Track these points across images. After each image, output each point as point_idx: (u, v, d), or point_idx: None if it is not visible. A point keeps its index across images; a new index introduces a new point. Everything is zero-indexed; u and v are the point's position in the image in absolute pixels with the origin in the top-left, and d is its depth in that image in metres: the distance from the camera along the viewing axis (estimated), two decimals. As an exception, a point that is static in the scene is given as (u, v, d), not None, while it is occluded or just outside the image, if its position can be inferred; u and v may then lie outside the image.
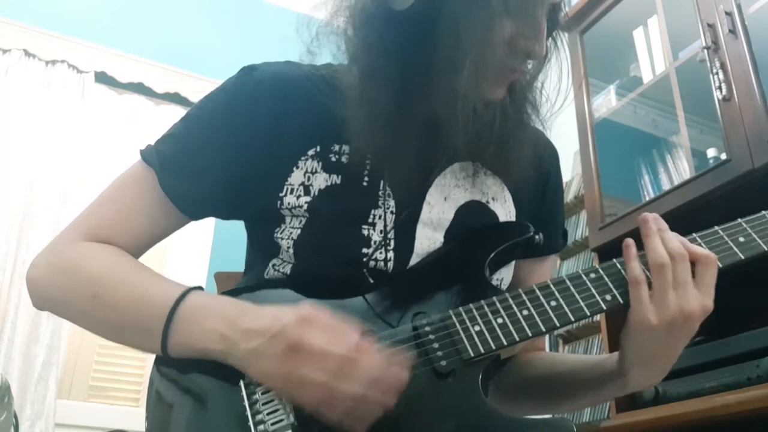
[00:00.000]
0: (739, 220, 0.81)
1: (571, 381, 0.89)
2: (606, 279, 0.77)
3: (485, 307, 0.75)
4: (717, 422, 1.48)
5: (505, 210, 0.90)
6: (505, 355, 0.78)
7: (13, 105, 2.81)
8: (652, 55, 2.13)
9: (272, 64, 0.88)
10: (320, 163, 0.83)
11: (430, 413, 0.71)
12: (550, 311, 0.75)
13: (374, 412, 0.67)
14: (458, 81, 0.74)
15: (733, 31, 1.68)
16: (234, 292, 0.80)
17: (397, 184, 0.82)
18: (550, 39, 0.85)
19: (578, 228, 2.38)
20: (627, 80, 2.25)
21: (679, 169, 2.05)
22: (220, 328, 0.71)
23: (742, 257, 0.78)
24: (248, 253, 0.93)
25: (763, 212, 0.82)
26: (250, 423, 0.69)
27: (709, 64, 1.71)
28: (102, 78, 3.05)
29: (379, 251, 0.80)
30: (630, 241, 0.77)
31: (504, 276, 0.89)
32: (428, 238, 0.83)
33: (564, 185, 1.10)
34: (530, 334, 0.73)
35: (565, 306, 0.75)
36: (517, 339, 0.73)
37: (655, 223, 0.77)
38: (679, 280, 0.72)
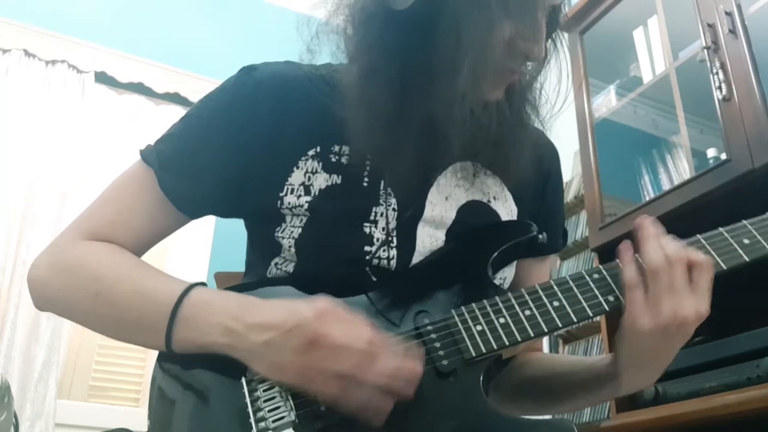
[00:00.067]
0: (744, 221, 0.80)
1: (566, 382, 0.89)
2: (609, 280, 0.76)
3: (487, 306, 0.75)
4: (717, 422, 1.48)
5: (506, 209, 0.90)
6: (506, 355, 0.78)
7: (13, 105, 2.81)
8: (652, 55, 2.13)
9: (272, 64, 0.88)
10: (320, 163, 0.83)
11: (431, 412, 0.71)
12: (552, 311, 0.74)
13: (391, 405, 0.68)
14: (457, 81, 0.74)
15: (733, 31, 1.68)
16: (235, 290, 0.80)
17: (397, 185, 0.82)
18: (549, 40, 0.85)
19: (578, 228, 2.38)
20: (627, 80, 2.25)
21: (679, 169, 2.05)
22: (226, 322, 0.71)
23: (747, 259, 0.77)
24: (248, 252, 0.93)
25: None
26: (252, 419, 0.69)
27: (709, 64, 1.71)
28: (102, 78, 3.05)
29: (382, 249, 0.80)
30: (625, 245, 0.77)
31: (506, 275, 0.89)
32: (430, 237, 0.83)
33: (564, 185, 1.10)
34: (532, 334, 0.73)
35: (567, 306, 0.75)
36: (519, 339, 0.73)
37: (651, 227, 0.76)
38: (675, 284, 0.72)
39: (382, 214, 0.82)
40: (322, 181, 0.82)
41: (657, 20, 2.12)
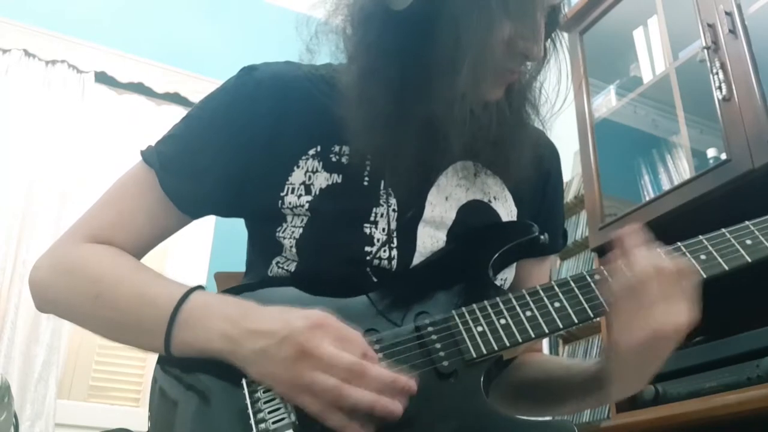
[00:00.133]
0: (747, 222, 0.80)
1: (564, 385, 0.88)
2: (610, 281, 0.76)
3: (488, 307, 0.75)
4: (717, 422, 1.48)
5: (506, 209, 0.90)
6: (507, 356, 0.78)
7: (13, 105, 2.81)
8: (652, 55, 2.13)
9: (272, 64, 0.88)
10: (321, 163, 0.83)
11: (432, 414, 0.70)
12: (553, 312, 0.74)
13: (381, 419, 0.66)
14: (457, 81, 0.74)
15: (733, 31, 1.68)
16: (236, 290, 0.80)
17: (397, 185, 0.82)
18: (549, 40, 0.85)
19: (578, 228, 2.38)
20: (627, 80, 2.25)
21: (679, 169, 2.05)
22: (224, 328, 0.71)
23: (750, 260, 0.77)
24: (249, 252, 0.93)
25: None
26: (252, 421, 0.69)
27: (709, 64, 1.71)
28: (102, 78, 3.05)
29: (382, 250, 0.80)
30: (612, 256, 0.75)
31: (507, 276, 0.89)
32: (431, 237, 0.83)
33: (564, 185, 1.10)
34: (533, 336, 0.73)
35: (568, 307, 0.75)
36: (520, 340, 0.73)
37: (637, 235, 0.75)
38: (665, 294, 0.71)
39: (382, 215, 0.82)
40: (322, 180, 0.82)
41: (657, 20, 2.12)
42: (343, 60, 0.85)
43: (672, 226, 1.72)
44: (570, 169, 2.54)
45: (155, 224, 0.85)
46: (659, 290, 0.71)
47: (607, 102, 2.25)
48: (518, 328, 0.74)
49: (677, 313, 0.70)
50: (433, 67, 0.77)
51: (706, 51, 1.72)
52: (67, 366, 2.78)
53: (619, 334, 0.72)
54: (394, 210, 0.82)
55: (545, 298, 0.75)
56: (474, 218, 0.86)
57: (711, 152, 1.93)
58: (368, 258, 0.80)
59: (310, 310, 0.69)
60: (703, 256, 0.78)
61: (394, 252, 0.81)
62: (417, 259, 0.82)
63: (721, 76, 1.68)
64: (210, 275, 2.86)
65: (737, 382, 1.45)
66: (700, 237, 0.79)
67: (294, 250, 0.82)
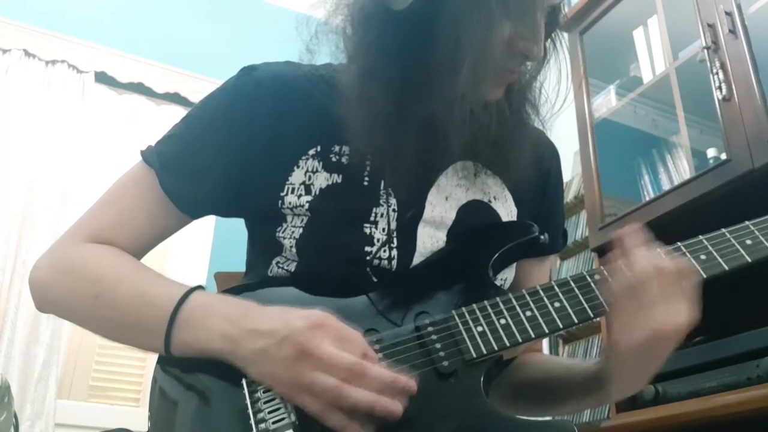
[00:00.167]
0: (747, 222, 0.80)
1: (563, 385, 0.88)
2: (610, 281, 0.76)
3: (488, 307, 0.75)
4: (717, 422, 1.48)
5: (506, 209, 0.90)
6: (507, 356, 0.78)
7: (13, 105, 2.81)
8: (652, 55, 2.13)
9: (272, 64, 0.88)
10: (321, 163, 0.83)
11: (432, 414, 0.70)
12: (553, 312, 0.74)
13: (381, 419, 0.66)
14: (457, 81, 0.74)
15: (733, 31, 1.68)
16: (236, 290, 0.80)
17: (397, 185, 0.82)
18: (549, 40, 0.85)
19: (578, 228, 2.38)
20: (627, 80, 2.25)
21: (679, 169, 2.05)
22: (223, 328, 0.71)
23: (749, 260, 0.77)
24: (249, 252, 0.93)
25: None
26: (252, 421, 0.69)
27: (709, 64, 1.71)
28: (102, 78, 3.05)
29: (382, 250, 0.80)
30: (612, 256, 0.75)
31: (507, 276, 0.89)
32: (431, 237, 0.83)
33: (564, 185, 1.10)
34: (533, 336, 0.73)
35: (568, 307, 0.75)
36: (520, 340, 0.73)
37: (637, 235, 0.75)
38: (665, 294, 0.71)
39: (382, 215, 0.82)
40: (322, 180, 0.82)
41: (657, 20, 2.12)
42: (343, 60, 0.85)
43: (672, 226, 1.72)
44: (570, 169, 2.54)
45: (155, 224, 0.85)
46: (659, 290, 0.70)
47: (607, 102, 2.25)
48: (518, 328, 0.74)
49: (677, 313, 0.70)
50: (433, 67, 0.77)
51: (706, 51, 1.72)
52: (67, 366, 2.78)
53: (619, 334, 0.72)
54: (394, 210, 0.82)
55: (545, 298, 0.75)
56: (474, 218, 0.86)
57: (711, 152, 1.93)
58: (368, 258, 0.80)
59: (310, 310, 0.69)
60: (703, 256, 0.77)
61: (394, 252, 0.81)
62: (417, 259, 0.82)
63: (721, 76, 1.68)
64: (210, 275, 2.86)
65: (737, 382, 1.45)
66: (700, 237, 0.79)
67: (294, 250, 0.82)
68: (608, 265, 0.77)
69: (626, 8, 2.14)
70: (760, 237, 0.78)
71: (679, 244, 0.79)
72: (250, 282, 0.86)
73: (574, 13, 2.22)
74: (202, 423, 0.73)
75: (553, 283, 0.77)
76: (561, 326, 0.74)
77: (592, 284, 0.76)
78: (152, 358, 0.80)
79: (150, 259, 0.86)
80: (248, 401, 0.70)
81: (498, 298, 0.76)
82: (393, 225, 0.82)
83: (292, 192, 0.82)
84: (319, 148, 0.84)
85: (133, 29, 3.17)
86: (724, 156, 1.68)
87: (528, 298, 0.76)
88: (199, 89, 3.09)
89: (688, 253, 0.78)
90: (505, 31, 0.75)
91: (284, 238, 0.83)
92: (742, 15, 1.69)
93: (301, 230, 0.82)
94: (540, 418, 0.78)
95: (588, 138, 2.13)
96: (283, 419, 0.68)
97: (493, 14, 0.73)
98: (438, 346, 0.73)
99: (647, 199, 1.99)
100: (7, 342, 2.54)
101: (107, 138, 3.08)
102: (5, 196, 2.69)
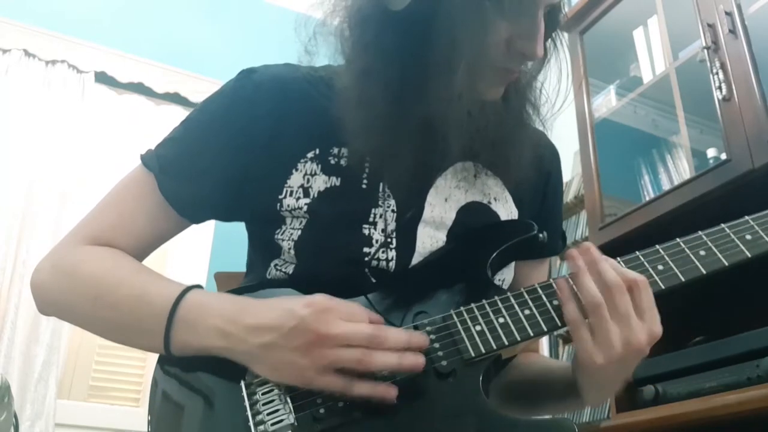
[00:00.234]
0: (746, 217, 0.80)
1: (546, 387, 0.89)
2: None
3: (487, 306, 0.75)
4: (717, 422, 1.48)
5: (506, 210, 0.90)
6: (506, 355, 0.77)
7: (13, 105, 2.81)
8: (652, 55, 2.13)
9: (271, 66, 0.88)
10: (319, 165, 0.83)
11: (431, 413, 0.70)
12: (552, 311, 0.74)
13: (395, 392, 0.68)
14: (455, 81, 0.74)
15: (733, 31, 1.68)
16: (236, 292, 0.80)
17: (396, 186, 0.82)
18: (549, 40, 0.85)
19: (578, 228, 2.38)
20: (627, 80, 2.25)
21: (679, 169, 2.05)
22: (221, 325, 0.71)
23: (749, 255, 0.76)
24: (249, 253, 0.93)
25: None
26: (251, 423, 0.69)
27: (709, 64, 1.71)
28: (102, 78, 3.05)
29: (381, 251, 0.80)
30: (561, 283, 0.74)
31: (506, 277, 0.89)
32: (430, 237, 0.83)
33: (564, 185, 1.10)
34: (532, 334, 0.73)
35: None
36: (519, 339, 0.73)
37: (583, 256, 0.73)
38: (620, 313, 0.69)
39: (380, 216, 0.82)
40: (321, 183, 0.82)
41: (657, 20, 2.12)
42: (341, 61, 0.85)
43: (672, 226, 1.72)
44: (570, 169, 2.54)
45: (155, 227, 0.85)
46: (622, 306, 0.69)
47: (607, 102, 2.25)
48: (517, 326, 0.74)
49: (645, 326, 0.70)
50: (431, 68, 0.76)
51: (706, 51, 1.72)
52: (67, 366, 2.78)
53: (589, 357, 0.70)
54: (393, 211, 0.82)
55: (543, 297, 0.75)
56: (474, 219, 0.86)
57: (711, 152, 1.93)
58: (367, 259, 0.80)
59: (311, 297, 0.70)
60: (702, 252, 0.77)
61: (393, 253, 0.81)
62: (416, 260, 0.82)
63: (721, 76, 1.68)
64: (210, 275, 2.86)
65: (737, 382, 1.45)
66: (700, 233, 0.78)
67: (292, 252, 0.82)
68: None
69: (626, 8, 2.14)
70: (760, 232, 0.78)
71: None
72: (249, 284, 0.86)
73: (574, 13, 2.23)
74: (202, 424, 0.73)
75: (551, 281, 0.77)
76: (559, 324, 0.74)
77: None
78: (152, 358, 0.81)
79: (150, 259, 0.87)
80: (247, 403, 0.70)
81: (496, 298, 0.76)
82: (392, 226, 0.81)
83: (291, 195, 0.82)
84: (317, 151, 0.83)
85: (133, 29, 3.18)
86: (724, 156, 1.68)
87: (526, 297, 0.76)
88: (199, 89, 3.09)
89: (687, 250, 0.77)
90: (502, 30, 0.75)
91: (283, 240, 0.83)
92: (742, 15, 1.69)
93: (299, 232, 0.82)
94: (539, 417, 0.78)
95: (588, 138, 2.13)
96: (282, 420, 0.69)
97: (491, 14, 0.73)
98: (437, 345, 0.73)
99: (647, 199, 1.99)
100: (7, 342, 2.54)
101: (107, 138, 3.08)
102: (5, 196, 2.69)
